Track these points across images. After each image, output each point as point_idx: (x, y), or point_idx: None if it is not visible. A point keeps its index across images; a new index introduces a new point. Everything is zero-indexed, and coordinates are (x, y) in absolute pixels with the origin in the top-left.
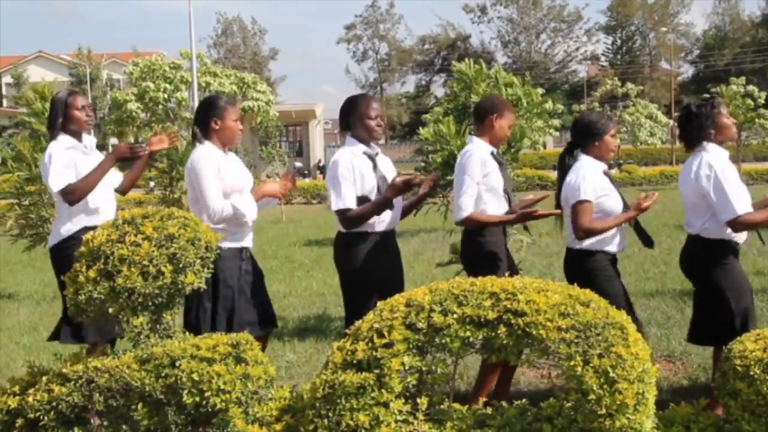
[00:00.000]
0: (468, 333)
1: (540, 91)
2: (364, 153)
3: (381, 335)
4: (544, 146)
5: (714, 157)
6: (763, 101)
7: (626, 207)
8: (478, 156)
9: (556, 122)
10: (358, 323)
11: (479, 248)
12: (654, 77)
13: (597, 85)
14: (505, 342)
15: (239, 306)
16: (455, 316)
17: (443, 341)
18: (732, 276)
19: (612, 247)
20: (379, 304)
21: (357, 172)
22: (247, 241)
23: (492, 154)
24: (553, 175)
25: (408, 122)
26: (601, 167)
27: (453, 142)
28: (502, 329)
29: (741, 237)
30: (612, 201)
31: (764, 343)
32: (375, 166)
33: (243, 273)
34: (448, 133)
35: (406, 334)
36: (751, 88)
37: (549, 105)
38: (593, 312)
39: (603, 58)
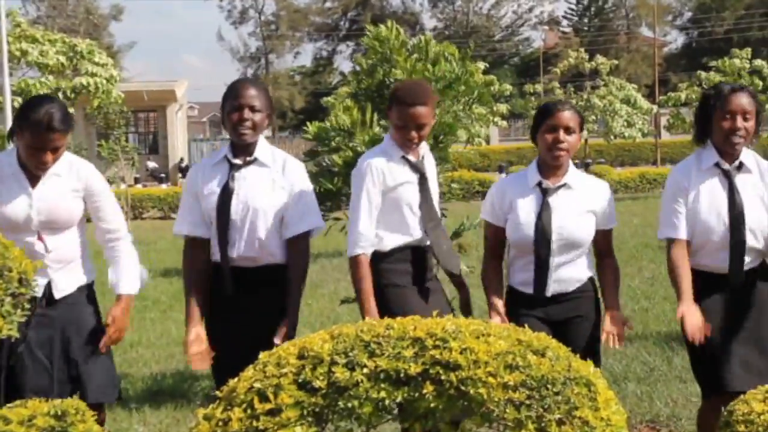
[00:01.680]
0: (383, 393)
1: (481, 66)
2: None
3: (264, 398)
4: (488, 140)
5: (680, 165)
6: None
7: (542, 234)
8: (375, 164)
9: (503, 108)
10: (233, 382)
11: (378, 279)
12: (632, 48)
13: (557, 58)
14: (432, 405)
15: (24, 367)
16: (365, 370)
17: (349, 405)
18: None
19: (519, 286)
20: (262, 355)
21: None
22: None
23: (405, 158)
24: (498, 177)
25: (303, 107)
26: (530, 177)
27: (359, 136)
28: (428, 388)
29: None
30: (513, 226)
31: None
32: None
33: (35, 324)
34: (350, 124)
35: (299, 396)
36: (759, 62)
37: (494, 86)
38: (550, 363)
39: (565, 23)
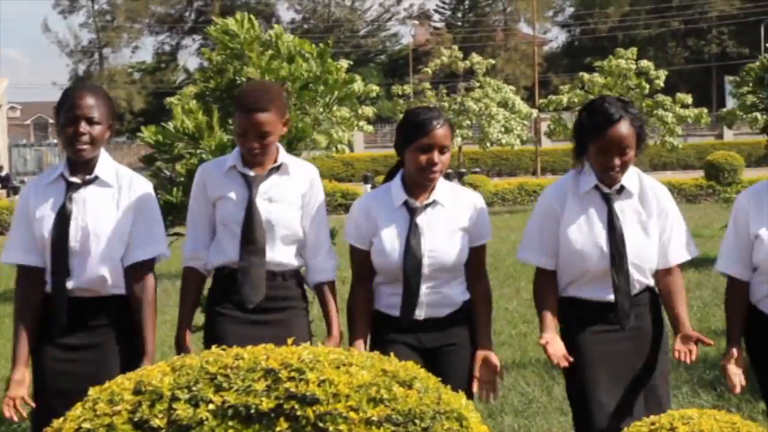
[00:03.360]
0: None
1: (344, 64)
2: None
3: None
4: (351, 147)
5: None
6: (662, 84)
7: (411, 260)
8: (200, 171)
9: (369, 111)
10: (57, 422)
11: (207, 303)
12: (510, 47)
13: (428, 56)
14: None
15: None
16: (211, 407)
17: None
18: None
19: (386, 309)
20: (92, 391)
21: None
22: None
23: (237, 170)
24: (364, 189)
25: (144, 109)
26: (395, 195)
27: (204, 143)
28: (282, 425)
29: None
30: (378, 252)
31: None
32: None
33: None
34: (194, 128)
35: None
36: (645, 63)
37: (358, 85)
38: (418, 395)
39: (437, 17)
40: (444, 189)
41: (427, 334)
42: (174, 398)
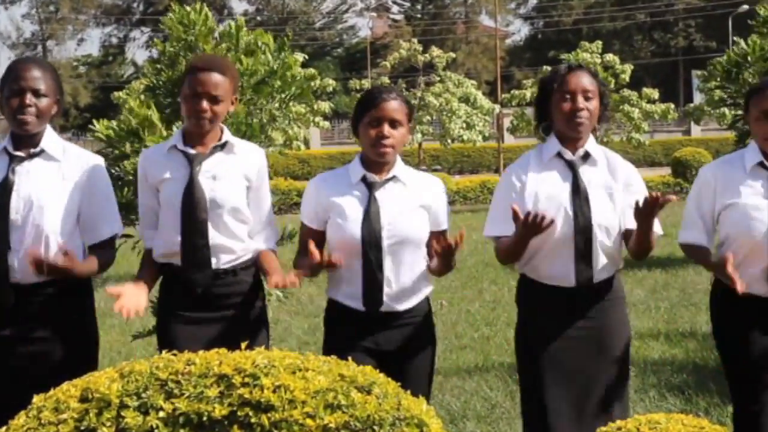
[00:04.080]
0: None
1: (300, 57)
2: None
3: None
4: (307, 144)
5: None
6: (628, 78)
7: (370, 232)
8: (143, 155)
9: (326, 106)
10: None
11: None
12: (471, 40)
13: (387, 49)
14: None
15: None
16: (161, 414)
17: None
18: None
19: (344, 300)
20: (36, 398)
21: None
22: None
23: (178, 147)
24: None
25: (90, 104)
26: (353, 172)
27: (148, 139)
28: None
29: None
30: (335, 227)
31: None
32: None
33: None
34: (138, 124)
35: None
36: (611, 57)
37: (323, 82)
38: (377, 401)
39: (395, 9)
40: (404, 168)
41: (386, 334)
42: (122, 405)
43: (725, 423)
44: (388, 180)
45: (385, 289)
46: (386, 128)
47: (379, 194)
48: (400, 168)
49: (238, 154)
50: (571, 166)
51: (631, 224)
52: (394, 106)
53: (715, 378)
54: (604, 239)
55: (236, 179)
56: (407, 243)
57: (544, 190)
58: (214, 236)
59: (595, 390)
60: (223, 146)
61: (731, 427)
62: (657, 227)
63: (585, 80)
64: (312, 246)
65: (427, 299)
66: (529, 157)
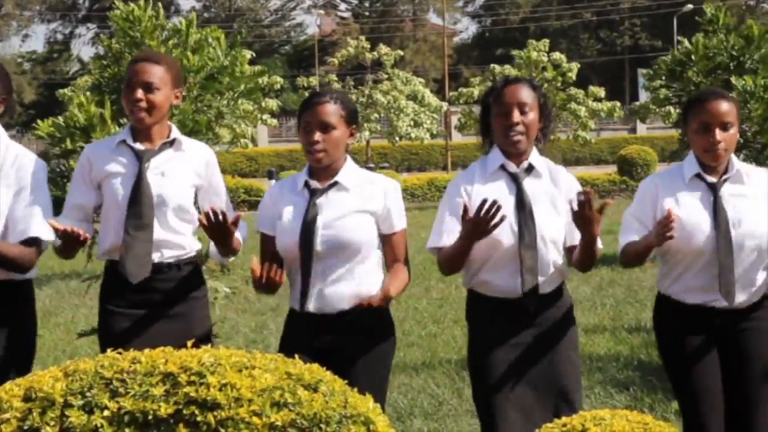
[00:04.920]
0: None
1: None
2: None
3: None
4: (255, 142)
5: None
6: (574, 76)
7: (305, 236)
8: (86, 150)
9: (273, 104)
10: None
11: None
12: (419, 37)
13: (334, 47)
14: None
15: None
16: (106, 413)
17: None
18: None
19: (291, 301)
20: None
21: None
22: None
23: (126, 143)
24: (268, 184)
25: (35, 101)
26: (300, 180)
27: (97, 136)
28: (182, 431)
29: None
30: (279, 233)
31: None
32: None
33: None
34: (85, 121)
35: None
36: (557, 55)
37: (272, 79)
38: (324, 399)
39: (343, 7)
40: (351, 173)
41: (330, 336)
42: (67, 405)
43: (670, 419)
44: (331, 186)
45: (318, 295)
46: (316, 134)
47: (319, 201)
48: (345, 173)
49: (186, 151)
50: (515, 179)
51: (575, 240)
52: (324, 109)
53: (660, 374)
54: (549, 251)
55: (184, 177)
56: (344, 248)
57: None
58: (158, 233)
59: (546, 397)
60: (171, 143)
61: (676, 423)
62: (598, 242)
63: (522, 93)
64: (253, 263)
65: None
66: (474, 170)
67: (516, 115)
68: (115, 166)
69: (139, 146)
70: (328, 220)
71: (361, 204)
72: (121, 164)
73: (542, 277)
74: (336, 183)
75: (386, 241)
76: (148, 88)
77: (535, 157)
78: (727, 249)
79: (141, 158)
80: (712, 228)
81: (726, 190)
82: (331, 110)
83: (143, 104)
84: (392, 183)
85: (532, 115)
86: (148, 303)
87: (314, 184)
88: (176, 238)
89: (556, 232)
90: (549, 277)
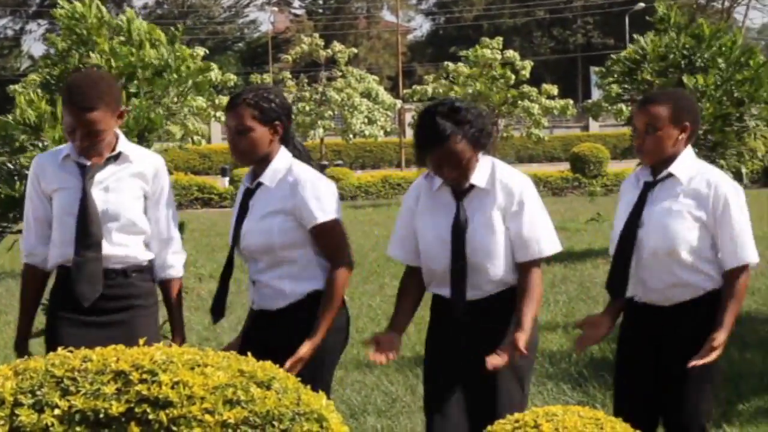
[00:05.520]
0: None
1: (200, 51)
2: None
3: None
4: (208, 139)
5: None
6: (528, 74)
7: (234, 241)
8: (35, 163)
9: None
10: None
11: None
12: (373, 35)
13: (288, 44)
14: None
15: None
16: (57, 412)
17: None
18: None
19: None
20: None
21: None
22: None
23: (71, 158)
24: (221, 184)
25: None
26: (246, 180)
27: (47, 133)
28: (134, 429)
29: None
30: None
31: None
32: None
33: None
34: (36, 118)
35: None
36: (511, 53)
37: (215, 74)
38: (277, 396)
39: (297, 4)
40: (275, 171)
41: (271, 331)
42: (17, 403)
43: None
44: (258, 185)
45: (255, 291)
46: (234, 137)
47: (251, 202)
48: (271, 171)
49: (134, 162)
50: (456, 196)
51: (520, 257)
52: (236, 114)
53: (612, 370)
54: (483, 268)
55: (130, 191)
56: (258, 250)
57: (428, 220)
58: (107, 248)
59: (486, 391)
60: (117, 156)
61: None
62: (539, 249)
63: (451, 150)
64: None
65: (309, 298)
66: (421, 182)
67: (449, 173)
68: (61, 181)
69: (84, 161)
70: (247, 224)
71: (275, 204)
72: (66, 179)
73: (479, 290)
74: (259, 183)
75: (311, 234)
76: (94, 134)
77: (478, 173)
78: (627, 245)
79: (85, 174)
80: (624, 225)
81: (658, 190)
82: (242, 113)
83: (89, 148)
84: (304, 178)
85: (464, 163)
86: (96, 309)
87: (250, 185)
88: (123, 250)
89: (491, 249)
90: (488, 289)
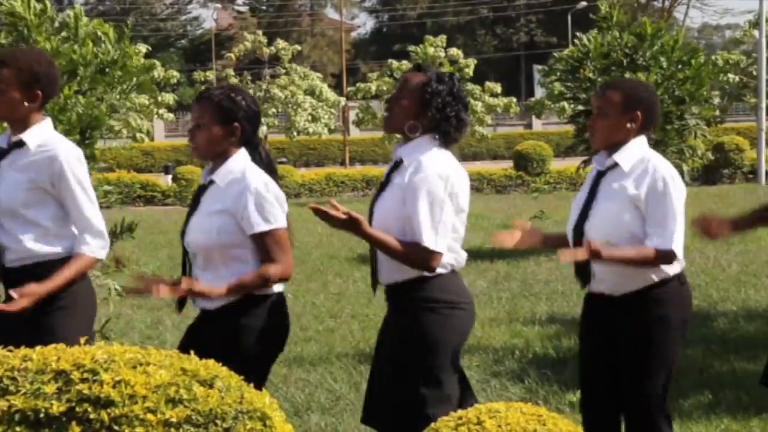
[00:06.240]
0: None
1: (143, 48)
2: None
3: None
4: (151, 136)
5: None
6: (471, 72)
7: (182, 237)
8: None
9: (170, 98)
10: None
11: None
12: (317, 32)
13: (231, 41)
14: None
15: None
16: None
17: None
18: None
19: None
20: None
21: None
22: None
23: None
24: (165, 181)
25: None
26: (204, 176)
27: None
28: (75, 429)
29: None
30: None
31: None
32: None
33: None
34: None
35: None
36: (455, 51)
37: (158, 71)
38: (219, 395)
39: (240, 1)
40: (228, 171)
41: (210, 330)
42: None
43: (563, 410)
44: (211, 182)
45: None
46: (192, 129)
47: (202, 198)
48: (225, 169)
49: (31, 152)
50: (389, 172)
51: (410, 236)
52: (199, 107)
53: (554, 367)
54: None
55: (19, 181)
56: (199, 248)
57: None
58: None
59: (389, 381)
60: (19, 144)
61: (569, 415)
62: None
63: None
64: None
65: (247, 299)
66: None
67: None
68: None
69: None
70: (191, 221)
71: (220, 203)
72: None
73: (383, 272)
74: (211, 181)
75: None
76: None
77: (407, 152)
78: (577, 236)
79: None
80: (575, 216)
81: (605, 180)
82: (204, 109)
83: None
84: (250, 181)
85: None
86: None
87: (205, 179)
88: (15, 243)
89: (386, 222)
90: (388, 271)
